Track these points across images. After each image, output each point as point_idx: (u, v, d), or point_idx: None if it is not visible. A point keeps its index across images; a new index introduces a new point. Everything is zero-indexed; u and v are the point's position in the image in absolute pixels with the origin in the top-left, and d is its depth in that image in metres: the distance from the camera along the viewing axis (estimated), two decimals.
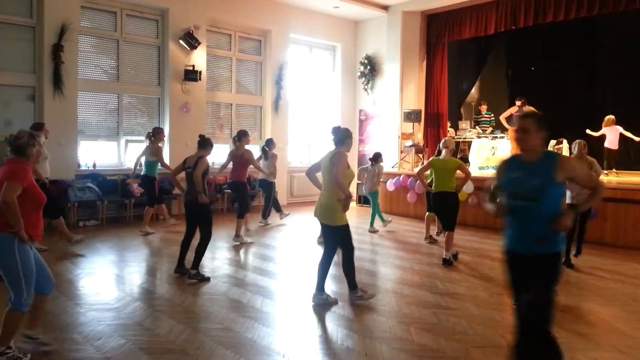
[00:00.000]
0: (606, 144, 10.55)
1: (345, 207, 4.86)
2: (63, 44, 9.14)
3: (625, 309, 5.10)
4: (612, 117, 10.57)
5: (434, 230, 8.81)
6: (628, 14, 10.39)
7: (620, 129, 10.51)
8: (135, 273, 6.33)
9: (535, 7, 10.82)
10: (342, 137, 4.98)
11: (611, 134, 10.51)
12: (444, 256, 6.87)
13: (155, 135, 8.58)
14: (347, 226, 4.99)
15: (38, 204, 3.67)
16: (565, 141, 12.48)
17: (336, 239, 5.05)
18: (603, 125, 10.65)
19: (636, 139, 10.47)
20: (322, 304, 4.99)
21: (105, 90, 10.22)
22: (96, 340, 4.01)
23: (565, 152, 12.29)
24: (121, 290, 5.49)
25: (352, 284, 5.11)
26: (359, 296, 5.10)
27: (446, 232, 6.93)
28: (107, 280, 5.90)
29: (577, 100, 13.48)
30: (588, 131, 10.50)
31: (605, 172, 10.09)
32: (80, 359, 3.72)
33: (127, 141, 10.43)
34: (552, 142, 12.76)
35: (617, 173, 10.38)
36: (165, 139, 10.54)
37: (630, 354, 3.96)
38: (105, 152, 10.29)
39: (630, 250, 7.82)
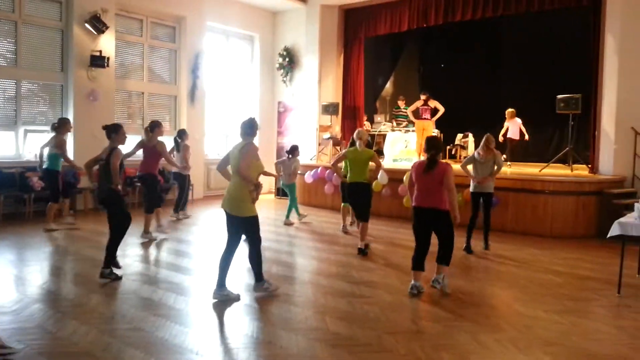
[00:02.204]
0: (508, 135, 11.30)
1: (256, 197, 4.83)
2: None
3: (524, 291, 5.49)
4: (513, 110, 11.33)
5: (349, 220, 8.97)
6: (527, 15, 11.15)
7: (519, 121, 11.29)
8: (36, 273, 5.87)
9: (445, 6, 11.31)
10: (247, 128, 4.92)
11: (513, 126, 11.28)
12: (359, 246, 7.03)
13: (61, 126, 7.99)
14: (256, 217, 4.94)
15: None
16: (471, 135, 13.23)
17: (245, 230, 4.96)
18: (506, 118, 11.37)
19: (526, 136, 11.32)
20: (224, 300, 4.87)
21: (1, 76, 9.38)
22: None
23: (472, 145, 13.04)
24: (20, 291, 5.08)
25: (259, 276, 5.08)
26: (265, 288, 5.08)
27: (361, 223, 7.09)
28: (3, 281, 5.43)
29: (483, 96, 14.29)
30: (500, 137, 11.13)
31: (509, 163, 10.80)
32: None
33: (26, 131, 9.65)
34: (459, 135, 13.48)
35: (509, 164, 11.06)
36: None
37: (528, 332, 4.27)
38: (2, 143, 9.46)
39: (528, 236, 8.43)
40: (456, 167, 7.06)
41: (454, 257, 5.42)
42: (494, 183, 7.23)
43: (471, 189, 7.26)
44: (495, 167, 7.10)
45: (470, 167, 7.29)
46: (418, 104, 11.46)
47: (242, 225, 4.92)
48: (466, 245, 7.16)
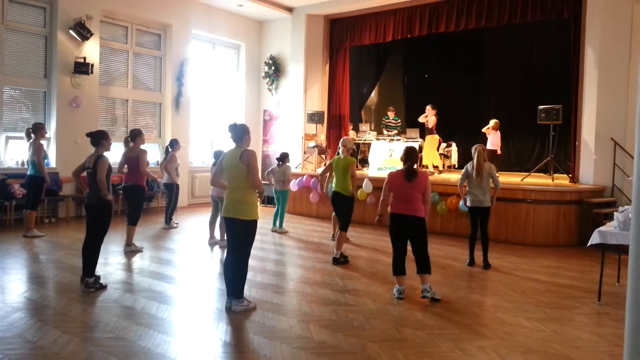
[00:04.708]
0: (487, 146, 11.43)
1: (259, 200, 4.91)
2: None
3: (506, 299, 5.55)
4: (497, 121, 11.46)
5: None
6: (510, 27, 11.35)
7: (499, 135, 11.42)
8: (16, 281, 5.78)
9: (429, 17, 11.47)
10: (240, 133, 4.91)
11: (493, 138, 11.44)
12: (334, 255, 7.00)
13: (36, 131, 7.86)
14: (256, 222, 4.91)
15: None
16: (454, 144, 13.38)
17: (242, 233, 4.82)
18: (490, 128, 11.51)
19: (499, 151, 11.51)
20: (244, 311, 4.81)
21: None
22: None
23: (455, 154, 13.18)
24: None
25: (240, 292, 4.90)
26: (245, 305, 4.89)
27: (339, 232, 7.08)
28: None
29: (465, 105, 14.48)
30: (484, 129, 11.42)
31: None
32: None
33: (7, 138, 9.53)
34: (443, 144, 13.62)
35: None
36: (52, 136, 9.84)
37: (509, 340, 4.32)
38: None
39: (510, 245, 8.53)
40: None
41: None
42: (490, 196, 6.96)
43: (468, 203, 7.01)
44: (493, 185, 6.93)
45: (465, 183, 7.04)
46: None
47: (243, 228, 4.79)
48: (469, 260, 7.08)
